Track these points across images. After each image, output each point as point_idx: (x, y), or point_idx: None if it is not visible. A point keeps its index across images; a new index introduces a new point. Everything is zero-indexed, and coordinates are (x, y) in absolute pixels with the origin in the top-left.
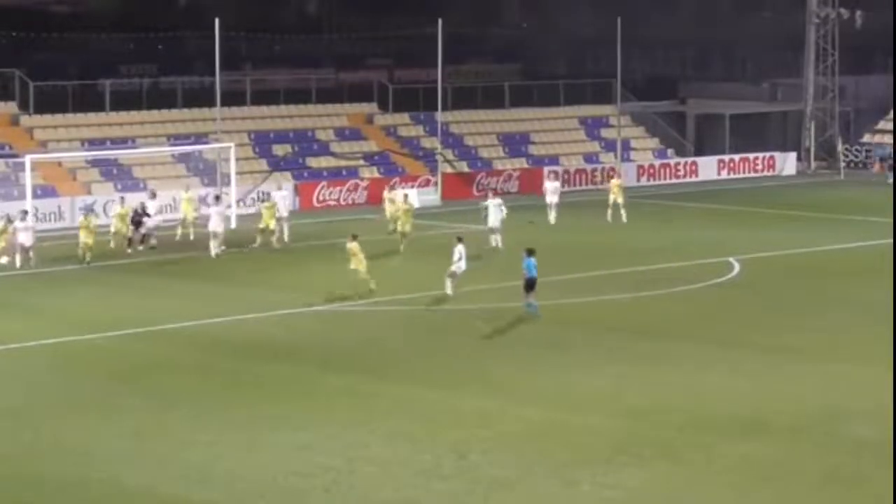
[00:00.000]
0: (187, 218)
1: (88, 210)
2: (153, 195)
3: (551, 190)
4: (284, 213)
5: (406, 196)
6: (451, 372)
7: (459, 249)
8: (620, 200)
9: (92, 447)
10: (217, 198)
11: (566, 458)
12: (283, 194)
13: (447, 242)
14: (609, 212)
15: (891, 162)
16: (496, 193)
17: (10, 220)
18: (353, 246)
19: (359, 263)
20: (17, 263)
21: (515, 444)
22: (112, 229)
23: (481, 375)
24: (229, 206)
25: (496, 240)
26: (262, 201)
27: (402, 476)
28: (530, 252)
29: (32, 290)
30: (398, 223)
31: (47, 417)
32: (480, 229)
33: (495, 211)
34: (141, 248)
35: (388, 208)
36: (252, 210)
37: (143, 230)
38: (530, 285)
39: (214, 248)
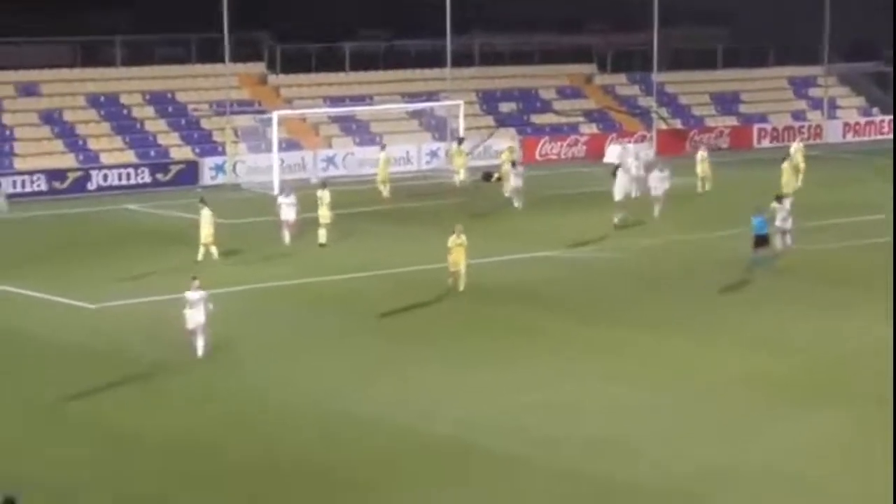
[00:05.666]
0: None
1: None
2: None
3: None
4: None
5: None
6: (665, 318)
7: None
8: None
9: (326, 381)
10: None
11: (768, 403)
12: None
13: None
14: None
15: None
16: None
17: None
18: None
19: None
20: (287, 240)
21: (721, 387)
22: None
23: (692, 322)
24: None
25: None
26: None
27: (615, 414)
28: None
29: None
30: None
31: (294, 352)
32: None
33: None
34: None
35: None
36: (481, 163)
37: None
38: (760, 242)
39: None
